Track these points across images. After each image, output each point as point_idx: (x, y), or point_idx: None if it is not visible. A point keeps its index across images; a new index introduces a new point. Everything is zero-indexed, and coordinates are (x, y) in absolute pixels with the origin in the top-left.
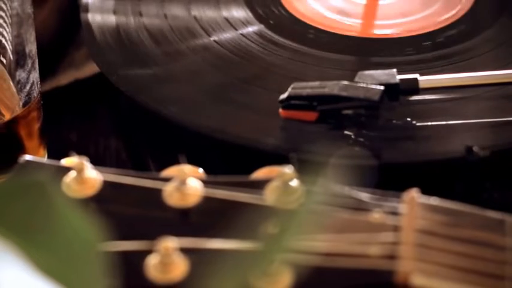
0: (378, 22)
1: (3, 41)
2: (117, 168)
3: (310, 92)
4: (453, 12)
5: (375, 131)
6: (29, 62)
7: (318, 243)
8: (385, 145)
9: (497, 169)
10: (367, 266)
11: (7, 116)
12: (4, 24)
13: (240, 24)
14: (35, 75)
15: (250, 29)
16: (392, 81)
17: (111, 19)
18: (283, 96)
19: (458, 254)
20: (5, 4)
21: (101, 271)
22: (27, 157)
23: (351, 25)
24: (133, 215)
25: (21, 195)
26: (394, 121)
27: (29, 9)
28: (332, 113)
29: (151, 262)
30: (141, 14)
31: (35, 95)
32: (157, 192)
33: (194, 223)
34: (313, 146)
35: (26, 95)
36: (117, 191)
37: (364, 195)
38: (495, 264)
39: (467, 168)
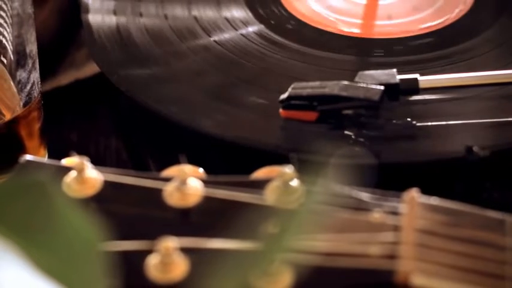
0: (378, 22)
1: (4, 41)
2: (118, 168)
3: (310, 92)
4: (453, 12)
5: (375, 131)
6: (30, 62)
7: (318, 243)
8: (385, 145)
9: (497, 169)
10: (367, 266)
11: (8, 116)
12: (5, 25)
13: (240, 24)
14: (35, 75)
15: (250, 29)
16: (392, 81)
17: (112, 19)
18: (284, 96)
19: (458, 254)
20: (6, 4)
21: (102, 271)
22: (28, 157)
23: (351, 25)
24: (134, 214)
25: (22, 195)
26: (394, 121)
27: (30, 9)
28: (332, 113)
29: (152, 262)
30: (141, 14)
31: (36, 95)
32: (158, 192)
33: (194, 223)
34: (314, 146)
35: (27, 95)
36: (118, 190)
37: (364, 195)
38: (495, 264)
39: (467, 168)
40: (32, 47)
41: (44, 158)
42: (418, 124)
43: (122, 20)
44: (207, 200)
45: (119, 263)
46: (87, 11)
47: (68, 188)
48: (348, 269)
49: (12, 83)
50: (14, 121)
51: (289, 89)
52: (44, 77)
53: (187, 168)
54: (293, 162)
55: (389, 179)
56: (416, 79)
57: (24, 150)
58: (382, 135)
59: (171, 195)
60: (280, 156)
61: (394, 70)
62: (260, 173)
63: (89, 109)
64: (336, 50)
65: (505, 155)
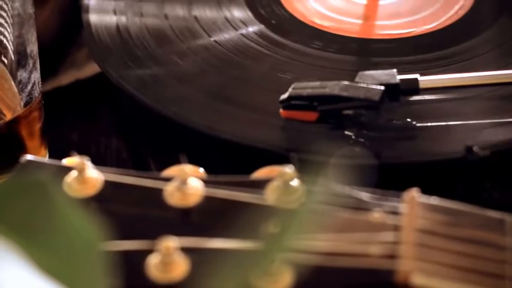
0: (378, 22)
1: (5, 41)
2: (118, 168)
3: (310, 92)
4: (453, 12)
5: (375, 131)
6: (30, 62)
7: (318, 242)
8: (386, 145)
9: (497, 169)
10: (367, 266)
11: (8, 116)
12: (5, 25)
13: (240, 24)
14: (36, 75)
15: (251, 29)
16: (392, 81)
17: (112, 19)
18: (284, 96)
19: (458, 254)
20: (7, 4)
21: (102, 270)
22: (29, 157)
23: (351, 25)
24: (134, 214)
25: (23, 195)
26: (394, 121)
27: (30, 9)
28: (332, 113)
29: (152, 262)
30: (141, 14)
31: (36, 95)
32: (158, 191)
33: (195, 223)
34: (314, 146)
35: (27, 95)
36: (118, 190)
37: (365, 195)
38: (495, 263)
39: (467, 168)
40: (32, 47)
41: (44, 158)
42: (418, 124)
43: (123, 20)
44: (208, 200)
45: (119, 263)
46: (87, 11)
47: (68, 187)
48: (348, 268)
49: (13, 83)
50: (15, 121)
51: (290, 89)
52: (44, 77)
53: (187, 168)
54: (293, 162)
55: (389, 179)
56: (416, 79)
57: (25, 150)
58: (382, 136)
59: (172, 195)
60: (280, 156)
61: (394, 70)
62: (260, 173)
63: (89, 109)
64: (336, 50)
65: (505, 155)
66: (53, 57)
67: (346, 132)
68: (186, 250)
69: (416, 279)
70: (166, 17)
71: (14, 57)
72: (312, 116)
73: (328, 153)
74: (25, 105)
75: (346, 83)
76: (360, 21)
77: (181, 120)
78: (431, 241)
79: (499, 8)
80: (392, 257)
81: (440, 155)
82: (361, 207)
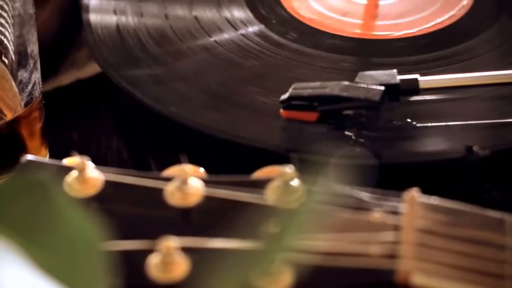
0: (378, 22)
1: (5, 41)
2: (119, 167)
3: (311, 93)
4: (453, 12)
5: (376, 132)
6: (31, 62)
7: (318, 242)
8: (386, 145)
9: (497, 169)
10: (367, 265)
11: (9, 116)
12: (6, 25)
13: (240, 25)
14: (36, 75)
15: (251, 29)
16: (392, 81)
17: (113, 19)
18: (284, 96)
19: (458, 253)
20: (7, 5)
21: (103, 270)
22: (29, 157)
23: (351, 25)
24: (135, 214)
25: (23, 194)
26: (394, 121)
27: (31, 9)
28: (333, 113)
29: (153, 261)
30: (142, 15)
31: (37, 95)
32: (159, 191)
33: (195, 222)
34: (314, 147)
35: (28, 95)
36: (119, 190)
37: (365, 195)
38: (495, 263)
39: (467, 168)
40: (33, 47)
41: (45, 158)
42: (419, 124)
43: (123, 20)
44: (208, 200)
45: (119, 263)
46: (88, 11)
47: (69, 187)
48: (348, 268)
49: (13, 83)
50: (16, 121)
51: (290, 90)
52: (45, 77)
53: (188, 167)
54: (293, 162)
55: (389, 179)
56: (416, 79)
57: (25, 150)
58: (383, 136)
59: (172, 194)
60: (280, 156)
61: (395, 70)
62: (261, 173)
63: (90, 109)
64: (336, 50)
65: (505, 155)
66: (54, 57)
67: (347, 133)
68: (186, 250)
69: (417, 279)
70: (166, 17)
71: (15, 57)
72: (312, 116)
73: (329, 154)
74: (26, 105)
75: (346, 83)
76: (360, 21)
77: (182, 120)
78: (432, 241)
79: (499, 8)
80: (392, 256)
81: (440, 155)
82: (361, 207)
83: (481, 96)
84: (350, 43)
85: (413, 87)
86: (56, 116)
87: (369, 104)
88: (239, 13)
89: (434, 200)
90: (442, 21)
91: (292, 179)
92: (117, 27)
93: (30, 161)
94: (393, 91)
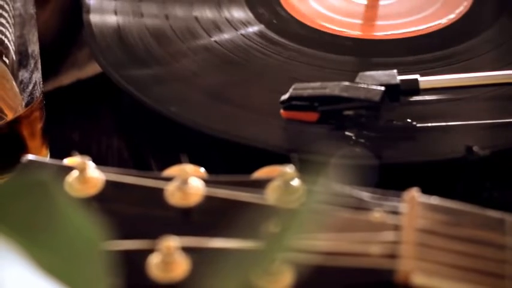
0: (378, 23)
1: (6, 41)
2: (119, 167)
3: (311, 93)
4: (453, 12)
5: (376, 132)
6: (32, 62)
7: (319, 242)
8: (386, 145)
9: (497, 169)
10: (367, 265)
11: (10, 116)
12: (7, 25)
13: (240, 25)
14: (37, 75)
15: (251, 29)
16: (393, 82)
17: (113, 19)
18: (285, 97)
19: (458, 253)
20: (8, 5)
21: (103, 270)
22: (30, 157)
23: (351, 25)
24: (135, 214)
25: (24, 194)
26: (394, 122)
27: (32, 9)
28: (333, 113)
29: (153, 261)
30: (142, 15)
31: (38, 95)
32: (159, 191)
33: (196, 222)
34: (314, 147)
35: (29, 95)
36: (119, 190)
37: (365, 195)
38: (495, 263)
39: (467, 168)
40: (34, 47)
41: (46, 158)
42: (419, 125)
43: (123, 20)
44: (208, 200)
45: (120, 262)
46: (88, 11)
47: (69, 187)
48: (348, 268)
49: (14, 83)
50: (16, 121)
51: (290, 90)
52: (46, 77)
53: (188, 167)
54: (294, 162)
55: (389, 179)
56: (416, 80)
57: (26, 150)
58: (383, 136)
59: (173, 194)
60: (281, 156)
61: (395, 71)
62: (261, 173)
63: (90, 109)
64: (337, 50)
65: (505, 155)
66: (54, 57)
67: (347, 133)
68: (186, 250)
69: (417, 278)
70: (166, 17)
71: (16, 57)
72: (312, 116)
73: (329, 154)
74: (26, 105)
75: (346, 83)
76: (360, 22)
77: (182, 120)
78: (432, 241)
79: (499, 8)
80: (392, 256)
81: (440, 155)
82: (361, 206)
83: (481, 96)
84: (350, 43)
85: (413, 88)
86: (57, 116)
87: (369, 105)
88: (239, 13)
89: (434, 200)
90: (442, 22)
91: (292, 179)
92: (118, 27)
93: (30, 161)
94: (393, 91)
